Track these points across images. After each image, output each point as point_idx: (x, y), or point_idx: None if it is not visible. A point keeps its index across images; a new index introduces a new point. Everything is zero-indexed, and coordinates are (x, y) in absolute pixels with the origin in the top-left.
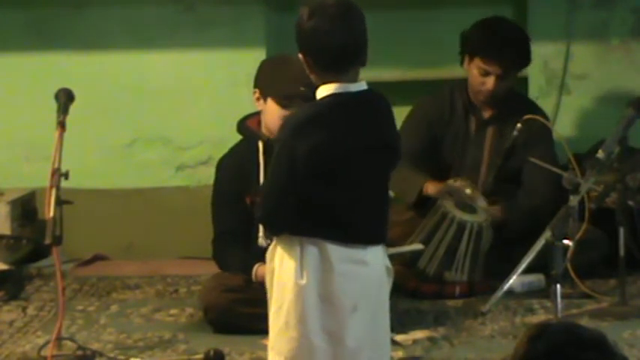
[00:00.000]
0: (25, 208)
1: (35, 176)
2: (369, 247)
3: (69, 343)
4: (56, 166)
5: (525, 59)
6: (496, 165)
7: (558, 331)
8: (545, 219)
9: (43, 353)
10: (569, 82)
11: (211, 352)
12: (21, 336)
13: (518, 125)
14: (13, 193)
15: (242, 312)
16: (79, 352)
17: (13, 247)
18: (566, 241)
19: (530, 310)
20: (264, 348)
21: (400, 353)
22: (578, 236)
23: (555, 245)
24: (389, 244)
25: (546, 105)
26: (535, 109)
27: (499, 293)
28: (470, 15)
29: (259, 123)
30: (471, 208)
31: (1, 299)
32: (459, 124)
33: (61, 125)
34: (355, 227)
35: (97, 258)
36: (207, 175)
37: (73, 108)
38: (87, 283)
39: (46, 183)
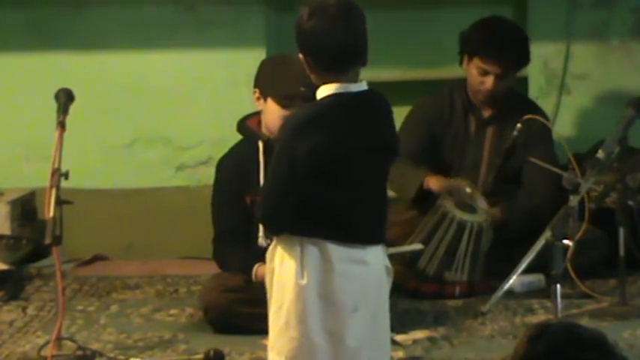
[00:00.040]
0: (25, 208)
1: (35, 176)
2: (368, 247)
3: (69, 343)
4: (56, 166)
5: (524, 59)
6: (496, 165)
7: (558, 331)
8: (545, 219)
9: (43, 353)
10: (569, 82)
11: (211, 352)
12: (21, 336)
13: (518, 125)
14: (13, 193)
15: (242, 312)
16: (79, 352)
17: (13, 247)
18: (566, 241)
19: (530, 310)
20: (264, 348)
21: (400, 353)
22: (578, 236)
23: (555, 245)
24: (389, 244)
25: (546, 105)
26: (535, 109)
27: (499, 293)
28: (469, 15)
29: (259, 123)
30: (471, 208)
31: (1, 299)
32: (459, 124)
33: (61, 125)
34: (355, 227)
35: (97, 258)
36: (207, 175)
37: (73, 108)
38: (87, 283)
39: (46, 183)
